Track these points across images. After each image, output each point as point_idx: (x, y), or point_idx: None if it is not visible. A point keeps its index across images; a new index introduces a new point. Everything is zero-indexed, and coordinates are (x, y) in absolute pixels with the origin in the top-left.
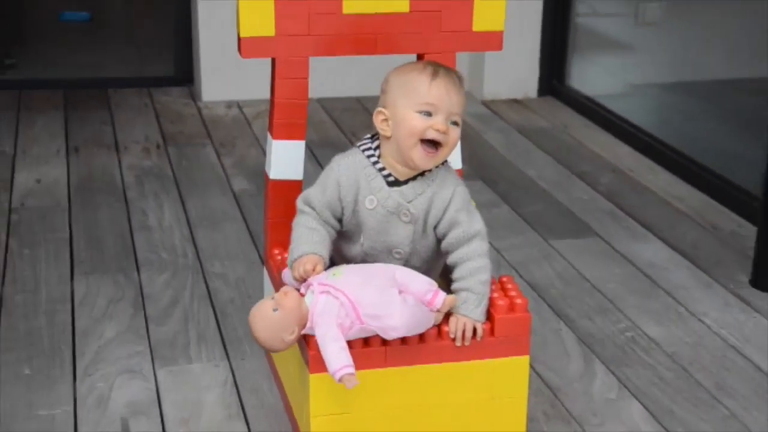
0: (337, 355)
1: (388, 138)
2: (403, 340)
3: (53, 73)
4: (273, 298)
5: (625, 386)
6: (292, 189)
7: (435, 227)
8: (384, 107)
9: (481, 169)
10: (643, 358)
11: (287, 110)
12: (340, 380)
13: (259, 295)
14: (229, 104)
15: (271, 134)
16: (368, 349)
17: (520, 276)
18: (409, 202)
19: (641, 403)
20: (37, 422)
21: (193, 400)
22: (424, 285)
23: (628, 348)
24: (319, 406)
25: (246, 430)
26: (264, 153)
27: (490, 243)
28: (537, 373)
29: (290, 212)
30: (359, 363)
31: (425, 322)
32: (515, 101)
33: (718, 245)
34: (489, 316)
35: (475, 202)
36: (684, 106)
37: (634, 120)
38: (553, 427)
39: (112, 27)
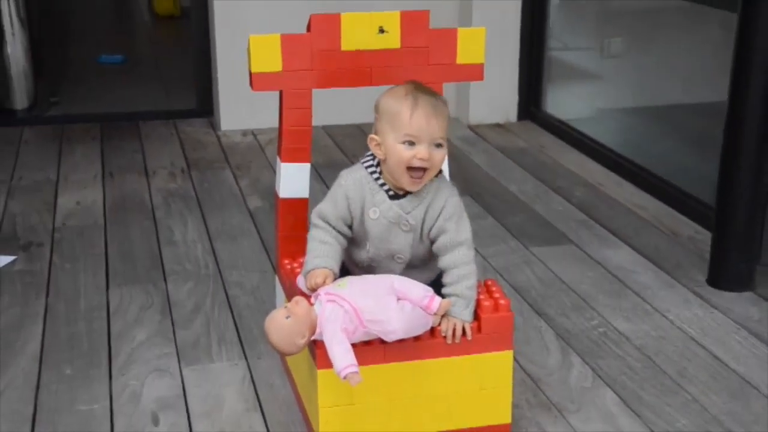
0: (342, 356)
1: (383, 160)
2: (400, 339)
3: (91, 109)
4: (286, 307)
5: (599, 376)
6: (299, 206)
7: (429, 233)
8: (376, 134)
9: (469, 186)
10: (614, 350)
11: (294, 136)
12: (345, 378)
13: (272, 300)
14: (245, 132)
15: (280, 158)
16: (369, 346)
17: (504, 279)
18: (407, 213)
19: (613, 390)
20: (78, 416)
21: (215, 395)
22: (420, 292)
23: (600, 342)
24: (327, 398)
25: (262, 421)
26: (275, 174)
27: (477, 250)
28: (520, 366)
29: (298, 226)
30: (361, 359)
31: (421, 325)
32: (497, 125)
33: (679, 249)
34: (476, 316)
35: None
36: (646, 127)
37: (602, 140)
38: (536, 413)
39: (143, 68)
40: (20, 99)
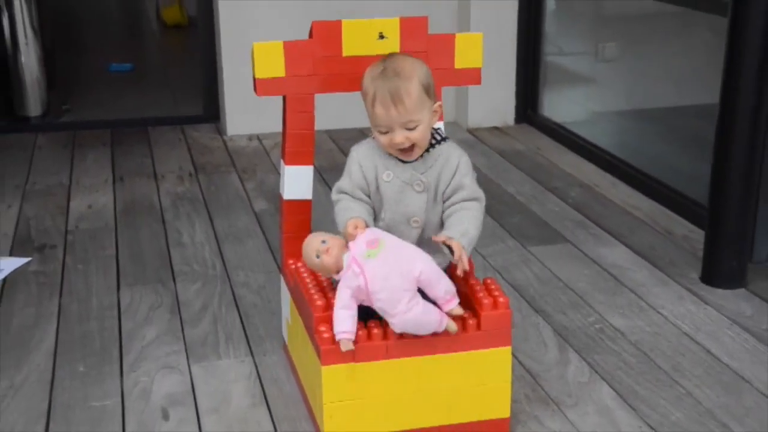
0: (343, 320)
1: None
2: (402, 336)
3: (102, 116)
4: (323, 242)
5: (595, 371)
6: (303, 207)
7: (443, 193)
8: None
9: None
10: (610, 346)
11: (297, 140)
12: (338, 340)
13: (278, 299)
14: (250, 137)
15: (284, 161)
16: (371, 343)
17: (503, 278)
18: (421, 174)
19: (609, 385)
20: (91, 412)
21: (223, 390)
22: (442, 291)
23: (597, 338)
24: (331, 393)
25: (269, 416)
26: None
27: (477, 250)
28: (519, 361)
29: (302, 227)
30: (364, 356)
31: (429, 326)
32: (495, 128)
33: (672, 248)
34: (476, 313)
35: None
36: (640, 129)
37: (597, 142)
38: (534, 407)
39: (151, 75)
40: (34, 107)
